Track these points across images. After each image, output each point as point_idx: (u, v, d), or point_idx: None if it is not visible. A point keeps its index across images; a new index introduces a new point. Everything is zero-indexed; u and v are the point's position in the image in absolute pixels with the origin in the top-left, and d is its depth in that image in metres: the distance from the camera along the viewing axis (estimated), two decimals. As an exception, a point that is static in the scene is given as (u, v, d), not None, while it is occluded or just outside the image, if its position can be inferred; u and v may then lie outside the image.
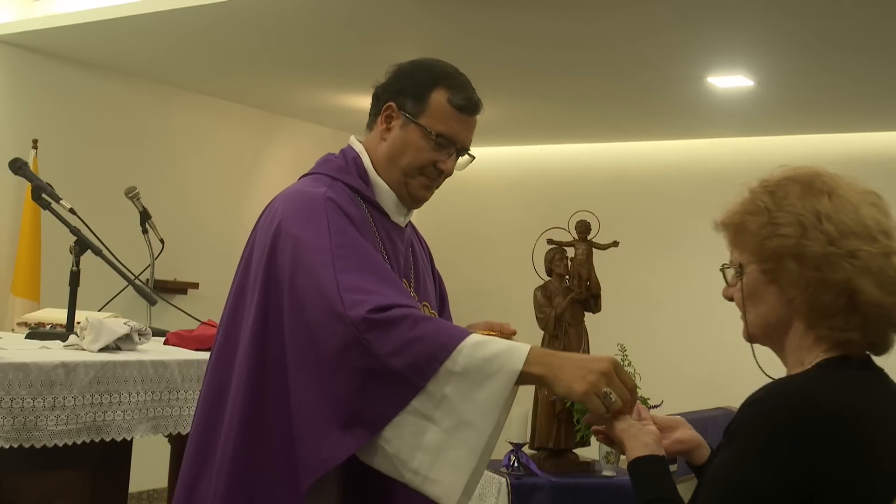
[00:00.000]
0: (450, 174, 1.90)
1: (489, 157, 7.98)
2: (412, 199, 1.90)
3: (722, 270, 1.56)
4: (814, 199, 1.44)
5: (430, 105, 1.83)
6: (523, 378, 1.57)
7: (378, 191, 1.88)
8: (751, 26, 4.46)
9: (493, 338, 1.62)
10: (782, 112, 6.08)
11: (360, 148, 1.91)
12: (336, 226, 1.71)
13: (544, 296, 3.76)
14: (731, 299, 1.55)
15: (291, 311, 1.66)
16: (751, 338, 1.56)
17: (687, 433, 1.72)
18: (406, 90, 1.85)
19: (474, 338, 1.58)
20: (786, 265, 1.42)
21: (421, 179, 1.87)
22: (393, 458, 1.59)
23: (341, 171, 1.87)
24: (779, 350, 1.52)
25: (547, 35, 4.77)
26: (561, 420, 3.63)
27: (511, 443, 3.52)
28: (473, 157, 1.93)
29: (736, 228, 1.50)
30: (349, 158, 1.90)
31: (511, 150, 7.87)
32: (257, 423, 1.68)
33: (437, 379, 1.56)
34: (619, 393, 1.56)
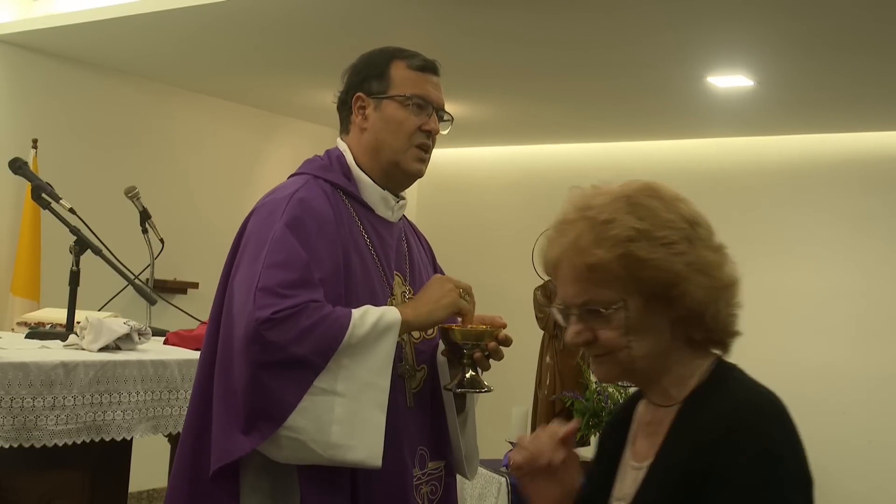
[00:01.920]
0: (436, 133, 1.93)
1: (489, 156, 7.98)
2: (407, 176, 1.93)
3: (568, 315, 1.35)
4: (675, 204, 1.35)
5: (392, 77, 1.90)
6: (403, 329, 1.76)
7: (362, 186, 1.91)
8: (751, 26, 4.46)
9: (367, 307, 1.76)
10: (782, 112, 6.08)
11: (343, 147, 1.95)
12: (286, 219, 1.78)
13: (544, 295, 3.76)
14: (586, 344, 1.34)
15: (227, 305, 1.77)
16: (624, 375, 1.38)
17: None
18: (367, 76, 1.92)
19: (358, 311, 1.73)
20: (689, 282, 1.30)
21: (413, 152, 1.90)
22: (308, 443, 1.65)
23: (324, 170, 1.90)
24: (651, 377, 1.36)
25: (546, 35, 4.77)
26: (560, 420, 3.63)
27: (510, 442, 3.52)
28: (452, 119, 1.98)
29: (609, 263, 1.29)
30: (333, 157, 1.93)
31: (511, 150, 7.87)
32: (195, 416, 1.82)
33: (337, 355, 1.67)
34: (461, 285, 1.86)
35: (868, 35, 4.41)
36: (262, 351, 1.64)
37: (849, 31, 4.38)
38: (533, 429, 3.67)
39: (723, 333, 1.40)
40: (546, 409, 3.65)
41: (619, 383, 3.62)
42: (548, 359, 3.68)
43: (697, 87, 5.55)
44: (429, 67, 1.92)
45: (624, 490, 1.38)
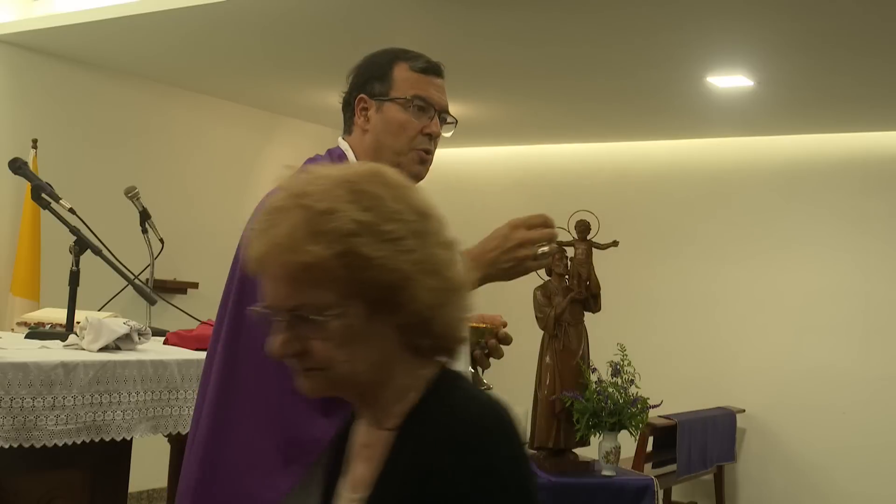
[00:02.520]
0: (438, 136, 1.91)
1: (489, 156, 7.98)
2: (408, 179, 1.92)
3: (275, 321, 1.15)
4: (404, 193, 1.18)
5: (395, 79, 1.88)
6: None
7: None
8: (750, 26, 4.46)
9: None
10: (782, 112, 6.08)
11: (345, 146, 1.94)
12: None
13: (544, 295, 3.76)
14: (296, 356, 1.15)
15: (237, 297, 1.73)
16: (336, 390, 1.19)
17: None
18: (370, 78, 1.90)
19: None
20: (418, 284, 1.12)
21: (414, 154, 1.89)
22: None
23: None
24: (369, 393, 1.18)
25: (546, 34, 4.77)
26: (560, 420, 3.63)
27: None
28: (455, 121, 1.95)
29: (326, 262, 1.10)
30: (335, 156, 1.92)
31: (510, 150, 7.87)
32: (226, 421, 1.72)
33: None
34: (541, 239, 1.67)
35: (868, 35, 4.41)
36: None
37: (848, 32, 4.38)
38: (533, 429, 3.67)
39: (451, 340, 1.20)
40: (546, 409, 3.65)
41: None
42: (548, 359, 3.68)
43: (697, 87, 5.55)
44: (432, 69, 1.91)
45: None
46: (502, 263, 1.68)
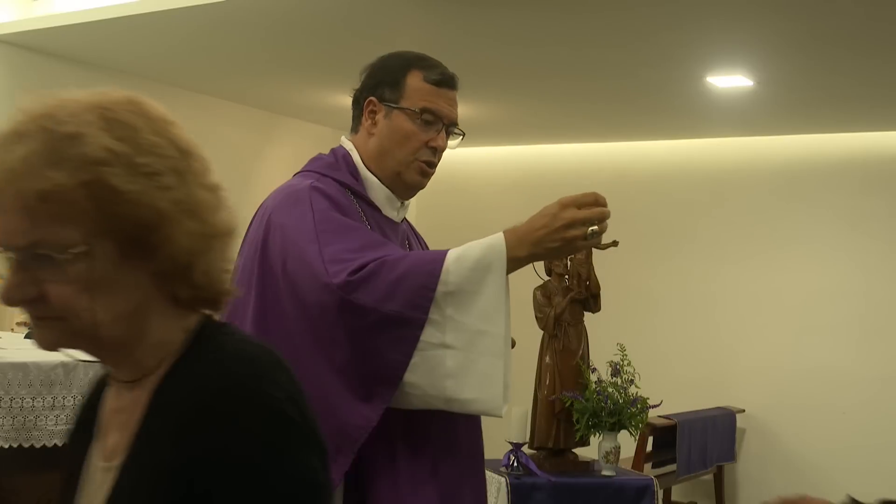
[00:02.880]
0: (443, 150, 1.90)
1: (488, 156, 7.98)
2: (408, 188, 1.91)
3: (5, 257, 1.00)
4: (165, 127, 1.06)
5: (407, 88, 1.86)
6: (512, 267, 1.63)
7: (368, 185, 1.89)
8: (750, 26, 4.46)
9: (469, 244, 1.64)
10: (782, 112, 6.08)
11: (349, 146, 1.92)
12: (317, 206, 1.75)
13: (544, 295, 3.76)
14: (30, 302, 1.00)
15: (288, 296, 1.68)
16: (77, 343, 1.03)
17: None
18: (382, 81, 1.88)
19: (453, 252, 1.63)
20: (176, 226, 1.02)
21: (416, 165, 1.87)
22: (424, 398, 1.61)
23: (330, 168, 1.88)
24: (119, 348, 1.05)
25: (545, 35, 4.77)
26: (560, 420, 3.63)
27: (510, 442, 3.52)
28: (463, 134, 1.94)
29: (70, 192, 0.96)
30: (339, 156, 1.91)
31: (510, 150, 7.87)
32: None
33: (436, 305, 1.60)
34: (592, 218, 1.62)
35: (867, 35, 4.41)
36: (354, 316, 1.59)
37: (848, 32, 4.38)
38: (532, 429, 3.67)
39: (214, 291, 1.08)
40: (546, 409, 3.65)
41: (614, 378, 3.62)
42: (547, 359, 3.67)
43: (697, 87, 5.55)
44: (445, 82, 1.88)
45: (92, 500, 1.07)
46: (549, 243, 1.63)
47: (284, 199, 1.80)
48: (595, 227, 1.61)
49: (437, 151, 1.88)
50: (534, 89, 5.96)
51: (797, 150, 6.70)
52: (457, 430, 1.81)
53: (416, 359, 1.59)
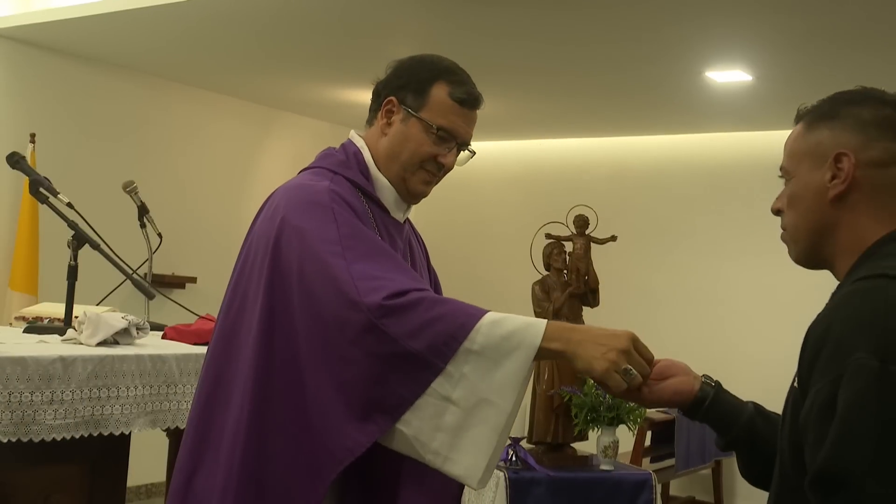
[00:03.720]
0: (450, 168, 1.89)
1: (488, 151, 7.98)
2: (411, 194, 1.90)
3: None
4: None
5: (430, 99, 1.83)
6: (542, 354, 1.58)
7: (378, 186, 1.87)
8: (749, 21, 4.46)
9: (511, 315, 1.61)
10: (780, 107, 6.06)
11: (360, 143, 1.90)
12: (342, 217, 1.71)
13: (542, 290, 3.76)
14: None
15: (302, 304, 1.65)
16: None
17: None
18: (407, 85, 1.85)
19: (491, 315, 1.59)
20: None
21: (421, 174, 1.86)
22: (412, 439, 1.59)
23: (342, 166, 1.86)
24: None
25: (544, 30, 4.76)
26: (559, 414, 3.63)
27: (509, 437, 3.52)
28: (474, 153, 1.93)
29: None
30: (350, 153, 1.89)
31: (509, 145, 7.87)
32: (266, 419, 1.66)
33: (456, 359, 1.57)
34: (638, 368, 1.59)
35: (865, 31, 4.41)
36: (378, 342, 1.56)
37: (846, 27, 4.38)
38: (531, 424, 3.67)
39: None
40: (544, 403, 3.65)
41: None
42: (546, 354, 3.68)
43: (696, 82, 5.55)
44: (469, 102, 1.86)
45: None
46: (587, 349, 1.57)
47: (300, 199, 1.75)
48: (633, 371, 1.58)
49: (444, 168, 1.88)
50: (533, 85, 5.95)
51: (796, 145, 6.70)
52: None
53: (421, 401, 1.58)
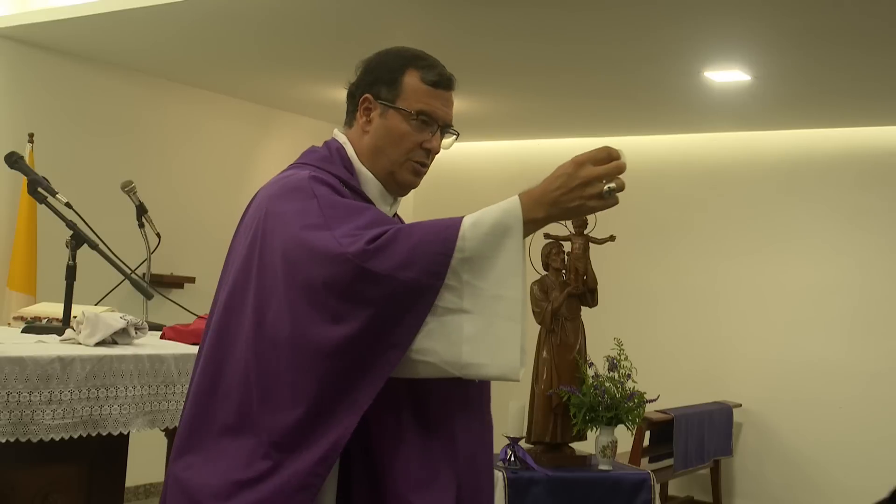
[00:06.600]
0: (437, 152, 1.89)
1: (485, 151, 7.98)
2: (401, 187, 1.90)
3: None
4: None
5: (404, 87, 1.84)
6: (528, 230, 1.61)
7: (363, 180, 1.88)
8: (747, 21, 4.46)
9: (485, 210, 1.62)
10: (779, 107, 6.08)
11: (343, 139, 1.91)
12: (321, 192, 1.73)
13: (541, 290, 3.76)
14: None
15: (289, 280, 1.65)
16: None
17: None
18: (378, 79, 1.86)
19: (469, 218, 1.61)
20: None
21: (409, 164, 1.87)
22: (440, 364, 1.59)
23: (325, 161, 1.87)
24: None
25: (543, 30, 4.76)
26: (557, 414, 3.63)
27: (507, 437, 3.52)
28: (458, 134, 1.93)
29: None
30: (332, 149, 1.90)
31: (507, 145, 7.87)
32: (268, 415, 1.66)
33: (453, 271, 1.58)
34: (609, 173, 1.60)
35: (864, 31, 4.42)
36: (368, 285, 1.57)
37: (845, 27, 4.38)
38: (530, 423, 3.67)
39: None
40: (543, 403, 3.65)
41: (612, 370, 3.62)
42: (545, 353, 3.68)
43: (694, 82, 5.55)
44: (443, 83, 1.86)
45: None
46: (567, 202, 1.60)
47: (282, 188, 1.77)
48: (612, 185, 1.58)
49: (431, 153, 1.88)
50: (530, 84, 5.95)
51: (794, 144, 6.71)
52: (467, 394, 1.79)
53: (433, 324, 1.58)
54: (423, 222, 1.64)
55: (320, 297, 1.61)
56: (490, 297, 1.59)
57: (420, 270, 1.57)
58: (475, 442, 1.83)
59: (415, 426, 1.72)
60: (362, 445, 1.69)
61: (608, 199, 1.59)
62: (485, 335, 1.59)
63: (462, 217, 1.61)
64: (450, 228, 1.60)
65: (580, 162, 1.63)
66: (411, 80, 1.85)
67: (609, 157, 1.63)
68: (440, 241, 1.59)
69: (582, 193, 1.60)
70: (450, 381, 1.68)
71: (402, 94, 1.84)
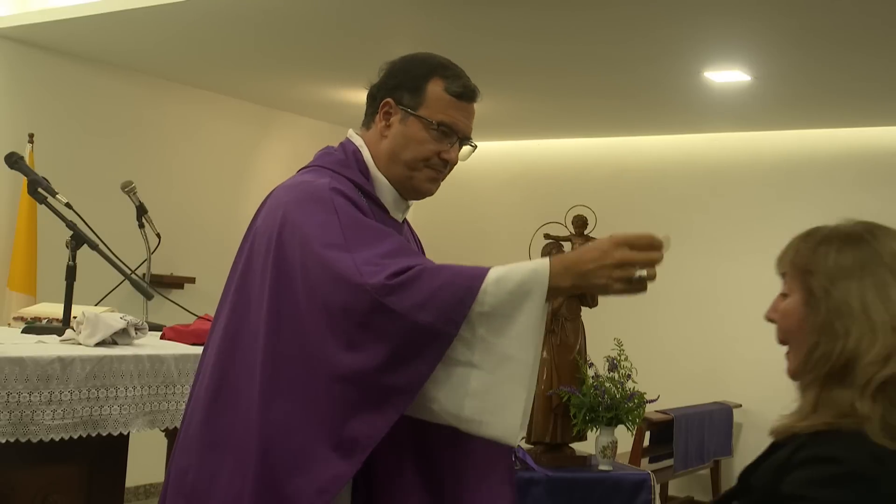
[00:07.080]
0: (454, 164, 1.88)
1: (486, 151, 7.97)
2: (418, 193, 1.89)
3: None
4: None
5: (427, 96, 1.82)
6: (552, 295, 1.58)
7: (378, 185, 1.86)
8: (747, 21, 4.46)
9: (513, 266, 1.59)
10: (779, 107, 6.08)
11: (359, 141, 1.89)
12: (343, 209, 1.71)
13: (541, 290, 3.75)
14: None
15: (307, 298, 1.63)
16: None
17: None
18: (402, 84, 1.84)
19: (495, 272, 1.58)
20: None
21: (426, 172, 1.86)
22: (443, 413, 1.58)
23: (341, 165, 1.85)
24: None
25: (543, 30, 4.76)
26: (557, 414, 3.63)
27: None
28: (475, 146, 1.92)
29: None
30: (349, 152, 1.88)
31: (508, 145, 7.87)
32: (277, 419, 1.64)
33: (469, 323, 1.56)
34: (642, 262, 1.60)
35: (863, 31, 4.42)
36: (386, 321, 1.55)
37: (845, 27, 4.38)
38: (530, 424, 3.67)
39: None
40: (543, 403, 3.65)
41: (611, 373, 3.62)
42: (545, 353, 3.67)
43: (694, 83, 5.55)
44: (466, 95, 1.85)
45: None
46: (594, 278, 1.59)
47: (301, 194, 1.74)
48: (644, 273, 1.56)
49: (448, 164, 1.87)
50: (531, 85, 5.95)
51: (794, 145, 6.70)
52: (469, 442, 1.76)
53: (441, 373, 1.56)
54: (451, 266, 1.62)
55: (337, 320, 1.60)
56: (501, 355, 1.57)
57: (437, 315, 1.55)
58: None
59: (414, 462, 1.71)
60: (363, 476, 1.67)
61: (635, 285, 1.57)
62: (489, 394, 1.57)
63: (489, 268, 1.59)
64: (474, 279, 1.57)
65: (618, 242, 1.62)
66: (435, 89, 1.83)
67: (650, 245, 1.63)
68: (462, 290, 1.56)
69: (611, 274, 1.59)
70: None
71: (425, 102, 1.82)
